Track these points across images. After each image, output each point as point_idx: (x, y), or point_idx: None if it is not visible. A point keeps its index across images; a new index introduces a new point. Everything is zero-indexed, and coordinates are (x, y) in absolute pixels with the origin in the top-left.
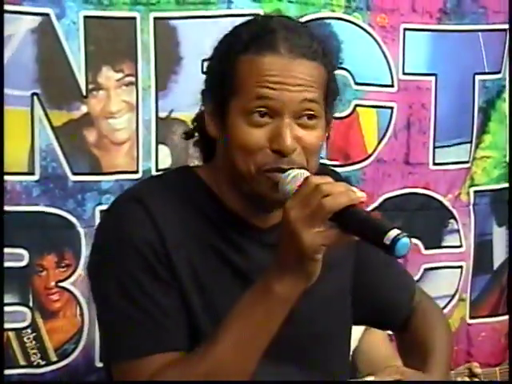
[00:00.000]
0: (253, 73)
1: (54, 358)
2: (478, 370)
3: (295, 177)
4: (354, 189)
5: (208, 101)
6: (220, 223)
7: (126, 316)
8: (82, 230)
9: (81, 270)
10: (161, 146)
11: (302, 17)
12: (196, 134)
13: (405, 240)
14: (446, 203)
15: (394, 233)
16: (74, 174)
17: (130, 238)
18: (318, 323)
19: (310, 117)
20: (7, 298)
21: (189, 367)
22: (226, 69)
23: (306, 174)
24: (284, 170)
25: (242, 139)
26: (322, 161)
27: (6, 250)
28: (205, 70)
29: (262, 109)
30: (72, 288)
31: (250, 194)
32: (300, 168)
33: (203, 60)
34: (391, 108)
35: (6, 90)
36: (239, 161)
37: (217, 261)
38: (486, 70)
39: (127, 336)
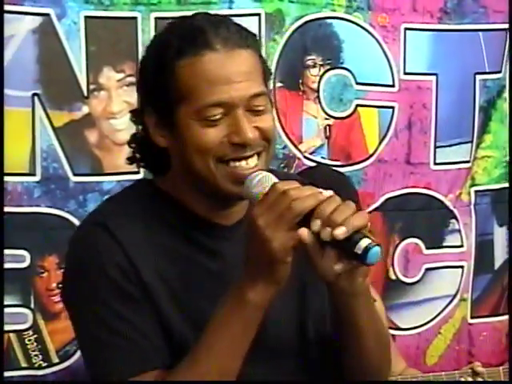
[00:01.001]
0: (196, 76)
1: (56, 360)
2: (481, 369)
3: (260, 180)
4: (322, 190)
5: (150, 115)
6: (185, 229)
7: (106, 344)
8: None
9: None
10: None
11: (303, 17)
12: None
13: (375, 249)
14: (447, 203)
15: (364, 242)
16: (75, 174)
17: (97, 263)
18: (278, 310)
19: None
20: (8, 300)
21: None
22: (165, 78)
23: (273, 177)
24: (249, 157)
25: (197, 140)
26: (323, 161)
27: (7, 252)
28: (138, 86)
29: (215, 112)
30: None
31: (211, 191)
32: (260, 153)
33: None
34: (392, 108)
35: (7, 91)
36: (197, 161)
37: (189, 268)
38: (487, 70)
39: (109, 362)
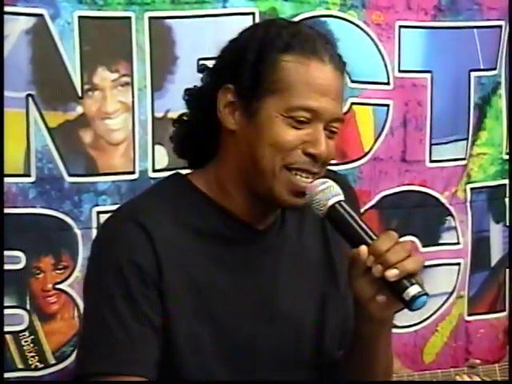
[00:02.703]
0: (300, 76)
1: (53, 361)
2: (476, 361)
3: (325, 189)
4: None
5: (227, 92)
6: (217, 229)
7: (95, 335)
8: (78, 232)
9: (78, 271)
10: (157, 147)
11: (297, 15)
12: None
13: (423, 298)
14: (443, 200)
15: (413, 290)
16: (71, 175)
17: (117, 258)
18: (299, 321)
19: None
20: (4, 301)
21: None
22: (265, 65)
23: (337, 188)
24: (313, 173)
25: (276, 137)
26: None
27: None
28: (219, 61)
29: (304, 115)
30: (69, 290)
31: (262, 192)
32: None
33: (199, 59)
34: (387, 105)
35: None
36: (265, 157)
37: (216, 270)
38: (482, 67)
39: (90, 353)
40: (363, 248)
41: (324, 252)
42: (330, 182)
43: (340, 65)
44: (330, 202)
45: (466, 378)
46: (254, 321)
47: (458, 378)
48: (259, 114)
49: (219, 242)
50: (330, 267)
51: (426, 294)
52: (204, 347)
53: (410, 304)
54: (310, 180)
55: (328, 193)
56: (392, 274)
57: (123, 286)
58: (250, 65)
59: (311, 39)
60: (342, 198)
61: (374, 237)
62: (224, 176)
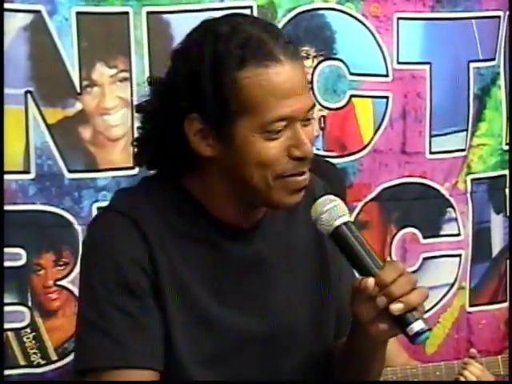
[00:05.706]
0: (262, 88)
1: (54, 357)
2: (476, 352)
3: (331, 209)
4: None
5: (194, 122)
6: (208, 235)
7: (96, 328)
8: (79, 228)
9: (79, 268)
10: None
11: (295, 8)
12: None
13: (426, 334)
14: (444, 192)
15: (417, 326)
16: (70, 171)
17: (111, 250)
18: (292, 312)
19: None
20: (5, 298)
21: None
22: (225, 88)
23: (343, 208)
24: (304, 173)
25: (259, 156)
26: (318, 152)
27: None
28: (176, 91)
29: (281, 124)
30: (70, 286)
31: (262, 202)
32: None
33: None
34: (386, 97)
35: None
36: (255, 175)
37: (210, 273)
38: (481, 58)
39: (92, 347)
40: (371, 281)
41: (316, 239)
42: (337, 201)
43: (294, 54)
44: (336, 223)
45: (469, 375)
46: (245, 316)
47: (462, 378)
48: (235, 138)
49: (206, 245)
50: (321, 254)
51: (429, 330)
52: (198, 341)
53: (413, 339)
54: (303, 178)
55: (334, 213)
56: (396, 308)
57: (121, 279)
58: (210, 93)
59: (261, 42)
60: (348, 218)
61: (379, 262)
62: (210, 190)
